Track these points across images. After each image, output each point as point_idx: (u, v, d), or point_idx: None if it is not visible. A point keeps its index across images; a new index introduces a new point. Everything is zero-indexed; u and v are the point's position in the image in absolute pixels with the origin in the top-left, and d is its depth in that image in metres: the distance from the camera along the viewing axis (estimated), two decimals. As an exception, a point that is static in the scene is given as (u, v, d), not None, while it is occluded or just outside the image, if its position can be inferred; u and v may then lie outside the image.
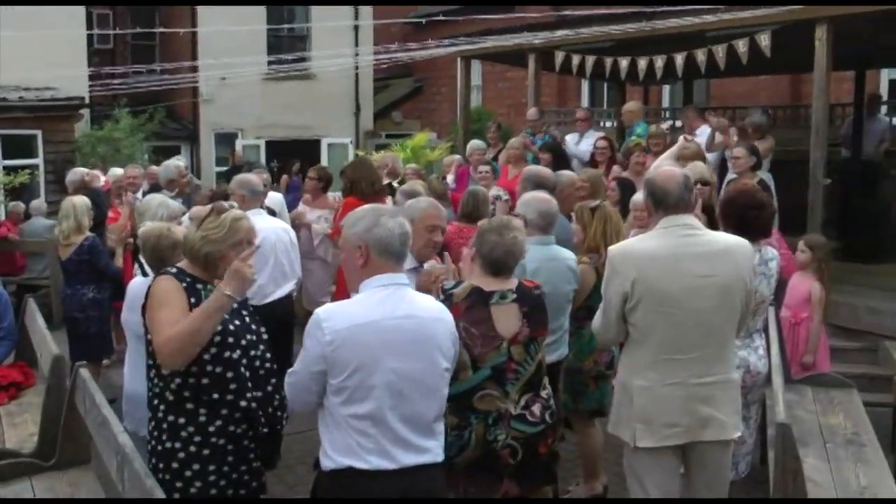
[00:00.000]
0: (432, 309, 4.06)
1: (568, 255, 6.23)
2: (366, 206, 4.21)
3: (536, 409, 4.83)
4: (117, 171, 12.58)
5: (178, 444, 4.15)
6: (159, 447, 4.19)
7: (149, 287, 4.26)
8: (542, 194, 6.50)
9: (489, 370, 4.71)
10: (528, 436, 4.78)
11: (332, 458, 3.83)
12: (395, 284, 3.94)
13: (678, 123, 17.48)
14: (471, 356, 4.68)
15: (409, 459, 3.85)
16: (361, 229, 3.96)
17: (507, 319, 4.79)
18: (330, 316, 3.80)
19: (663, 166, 5.08)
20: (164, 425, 4.19)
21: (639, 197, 6.63)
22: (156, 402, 4.24)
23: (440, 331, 4.00)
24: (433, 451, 3.97)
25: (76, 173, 11.18)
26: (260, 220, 7.14)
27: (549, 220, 6.08)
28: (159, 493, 3.91)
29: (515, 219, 5.31)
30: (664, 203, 4.70)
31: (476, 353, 4.69)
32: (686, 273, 4.55)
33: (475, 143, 12.64)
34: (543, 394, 4.92)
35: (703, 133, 11.29)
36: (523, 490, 4.83)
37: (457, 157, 13.25)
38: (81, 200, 8.38)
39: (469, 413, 4.68)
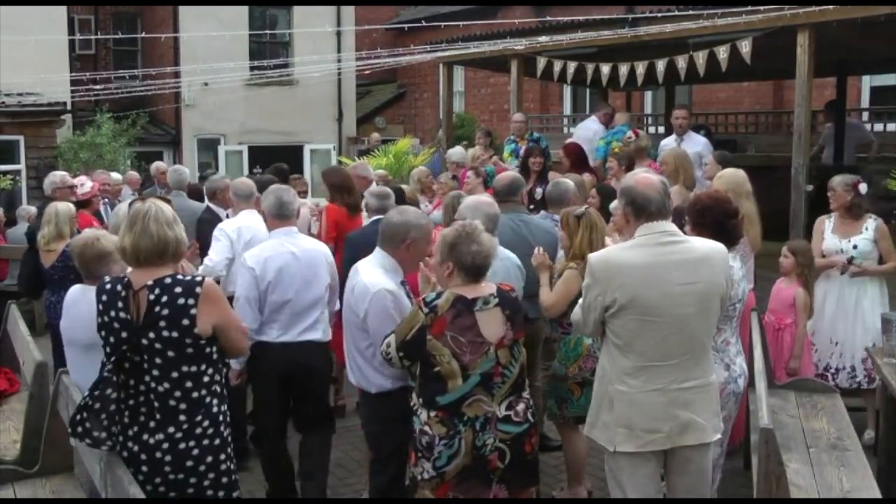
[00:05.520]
0: (313, 248, 6.45)
1: (511, 254, 6.33)
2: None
3: (520, 408, 4.89)
4: (117, 177, 12.62)
5: (192, 443, 4.28)
6: (169, 453, 4.25)
7: (199, 288, 4.28)
8: (486, 198, 6.65)
9: (479, 377, 4.73)
10: (515, 436, 4.82)
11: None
12: (287, 233, 6.35)
13: (661, 129, 17.61)
14: (460, 364, 4.69)
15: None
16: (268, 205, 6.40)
17: (493, 324, 4.81)
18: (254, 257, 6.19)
19: (639, 175, 5.06)
20: (182, 427, 4.27)
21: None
22: (183, 405, 4.29)
23: (321, 260, 6.37)
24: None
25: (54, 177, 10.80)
26: (255, 219, 7.71)
27: (495, 223, 6.16)
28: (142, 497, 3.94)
29: (475, 221, 5.29)
30: (646, 211, 4.69)
31: (466, 361, 4.70)
32: (668, 281, 4.56)
33: (449, 153, 12.79)
34: (524, 394, 4.97)
35: (693, 141, 11.47)
36: (511, 492, 4.86)
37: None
38: (65, 207, 8.25)
39: (457, 420, 4.70)
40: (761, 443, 4.59)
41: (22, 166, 18.26)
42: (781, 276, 7.72)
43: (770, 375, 6.75)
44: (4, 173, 16.23)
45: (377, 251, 5.58)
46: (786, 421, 6.33)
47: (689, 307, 4.59)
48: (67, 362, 5.48)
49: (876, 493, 5.24)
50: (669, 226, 4.72)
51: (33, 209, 13.73)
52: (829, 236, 8.01)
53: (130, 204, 5.09)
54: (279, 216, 6.39)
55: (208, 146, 25.61)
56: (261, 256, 6.19)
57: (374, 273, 5.43)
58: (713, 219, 5.59)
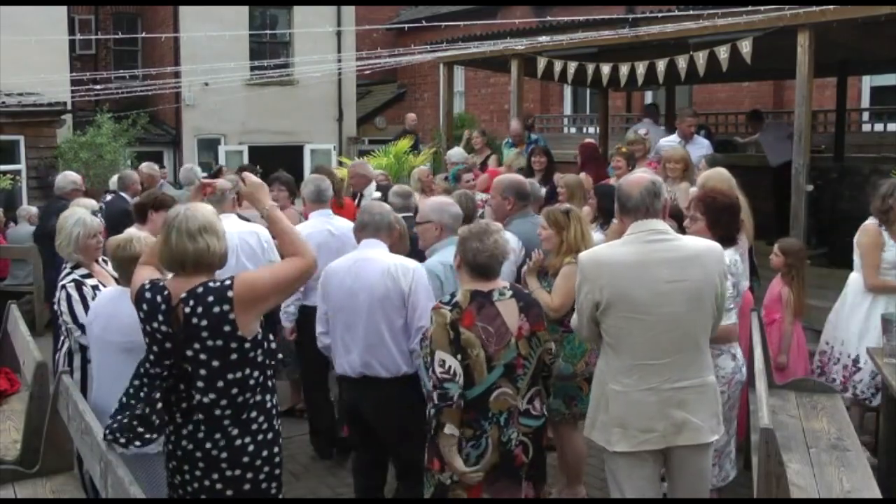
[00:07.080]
0: (346, 227, 7.21)
1: None
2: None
3: (537, 402, 4.98)
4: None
5: (248, 439, 4.25)
6: (226, 450, 4.22)
7: (231, 292, 4.09)
8: (447, 198, 6.83)
9: (502, 368, 4.82)
10: (535, 430, 4.94)
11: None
12: (323, 214, 7.72)
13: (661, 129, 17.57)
14: (486, 355, 4.77)
15: None
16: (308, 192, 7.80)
17: (511, 315, 4.91)
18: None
19: (633, 175, 5.11)
20: (237, 424, 4.23)
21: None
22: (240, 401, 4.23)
23: (352, 238, 6.38)
24: None
25: (65, 178, 10.85)
26: (229, 224, 7.65)
27: (460, 222, 6.23)
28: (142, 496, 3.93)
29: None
30: (625, 208, 4.77)
31: (491, 352, 4.79)
32: (655, 279, 4.59)
33: (449, 154, 12.86)
34: (540, 388, 5.06)
35: (698, 144, 11.47)
36: (537, 490, 4.95)
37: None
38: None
39: (482, 419, 4.77)
40: (762, 443, 4.58)
41: (22, 166, 18.28)
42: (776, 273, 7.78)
43: (770, 375, 6.75)
44: (5, 173, 16.21)
45: (372, 241, 5.82)
46: (786, 421, 6.32)
47: (678, 305, 4.61)
48: (94, 363, 5.39)
49: (876, 493, 5.23)
50: (660, 224, 4.75)
51: (34, 209, 13.75)
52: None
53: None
54: (316, 201, 7.78)
55: (208, 146, 25.58)
56: (303, 232, 6.58)
57: (393, 256, 5.74)
58: (712, 214, 5.63)
